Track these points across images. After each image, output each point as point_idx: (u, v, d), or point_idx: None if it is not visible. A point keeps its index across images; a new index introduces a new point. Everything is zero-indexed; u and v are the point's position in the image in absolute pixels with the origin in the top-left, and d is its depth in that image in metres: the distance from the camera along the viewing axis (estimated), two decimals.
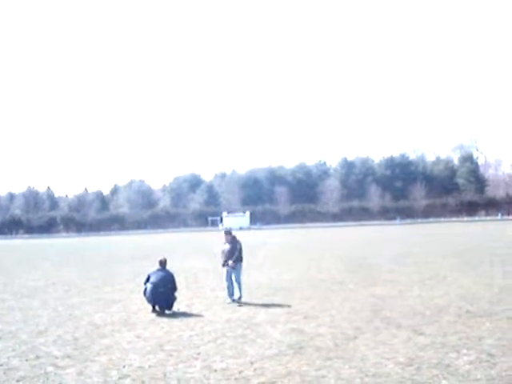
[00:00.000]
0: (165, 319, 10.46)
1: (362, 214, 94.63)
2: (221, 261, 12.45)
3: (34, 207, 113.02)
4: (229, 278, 12.21)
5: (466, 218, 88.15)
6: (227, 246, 12.30)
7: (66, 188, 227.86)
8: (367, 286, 14.00)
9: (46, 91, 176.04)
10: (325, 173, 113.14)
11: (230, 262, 12.06)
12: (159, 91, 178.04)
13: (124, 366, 7.19)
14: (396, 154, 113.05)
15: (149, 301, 11.14)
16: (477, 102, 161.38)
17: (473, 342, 7.86)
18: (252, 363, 7.14)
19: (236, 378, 6.54)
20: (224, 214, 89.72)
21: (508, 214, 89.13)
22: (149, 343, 8.46)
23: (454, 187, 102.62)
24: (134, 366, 7.21)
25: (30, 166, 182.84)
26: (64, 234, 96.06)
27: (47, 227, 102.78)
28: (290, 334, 8.70)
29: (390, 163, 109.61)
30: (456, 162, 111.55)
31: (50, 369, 7.20)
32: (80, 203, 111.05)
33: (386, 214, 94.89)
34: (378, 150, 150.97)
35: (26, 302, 13.46)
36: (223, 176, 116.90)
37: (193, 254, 28.77)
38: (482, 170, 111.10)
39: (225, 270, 12.29)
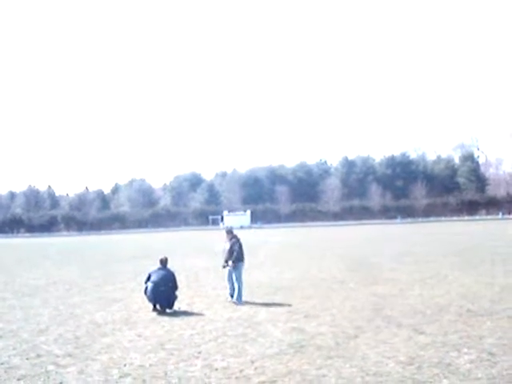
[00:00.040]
0: (166, 318, 10.46)
1: (362, 213, 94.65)
2: (222, 260, 12.45)
3: (34, 206, 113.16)
4: (230, 278, 12.21)
5: (466, 217, 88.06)
6: (228, 246, 12.31)
7: (67, 187, 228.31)
8: (368, 285, 14.00)
9: (47, 90, 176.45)
10: (325, 172, 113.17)
11: (230, 263, 12.07)
12: (160, 90, 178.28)
13: (125, 365, 7.19)
14: (397, 152, 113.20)
15: (150, 300, 11.15)
16: (477, 101, 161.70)
17: (473, 340, 7.86)
18: (253, 362, 7.15)
19: (237, 377, 6.54)
20: (225, 212, 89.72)
21: (509, 213, 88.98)
22: (150, 342, 8.46)
23: (455, 186, 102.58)
24: (135, 364, 7.22)
25: (30, 164, 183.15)
26: (65, 233, 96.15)
27: (48, 226, 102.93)
28: (291, 333, 8.70)
29: (391, 162, 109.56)
30: (457, 161, 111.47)
31: (50, 367, 7.21)
32: (81, 202, 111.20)
33: (387, 213, 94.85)
34: (378, 149, 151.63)
35: (27, 300, 13.47)
36: (224, 175, 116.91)
37: (194, 253, 28.77)
38: (482, 169, 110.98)
39: (226, 269, 12.29)
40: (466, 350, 7.39)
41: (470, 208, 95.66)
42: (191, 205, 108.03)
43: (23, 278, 18.97)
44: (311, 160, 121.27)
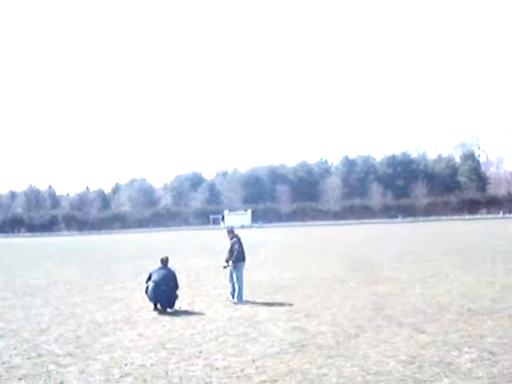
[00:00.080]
0: (166, 317, 10.47)
1: (363, 213, 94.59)
2: (225, 259, 12.44)
3: (35, 206, 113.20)
4: (231, 278, 12.21)
5: (467, 216, 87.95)
6: (228, 245, 12.32)
7: (68, 186, 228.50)
8: (369, 284, 14.00)
9: (48, 90, 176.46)
10: (326, 171, 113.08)
11: (230, 263, 12.08)
12: (160, 90, 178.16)
13: (126, 364, 7.20)
14: (398, 152, 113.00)
15: (150, 299, 11.16)
16: (478, 100, 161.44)
17: (474, 340, 7.86)
18: (254, 361, 7.15)
19: (238, 376, 6.54)
20: (226, 212, 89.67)
21: (510, 212, 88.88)
22: (150, 341, 8.47)
23: (456, 185, 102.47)
24: (136, 364, 7.22)
25: (31, 164, 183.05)
26: (65, 233, 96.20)
27: (49, 226, 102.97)
28: (292, 333, 8.71)
29: (392, 161, 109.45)
30: (458, 160, 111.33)
31: (51, 367, 7.22)
32: (81, 202, 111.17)
33: (388, 213, 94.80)
34: (379, 148, 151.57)
35: (28, 300, 13.49)
36: (225, 174, 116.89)
37: (194, 253, 28.78)
38: (483, 168, 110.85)
39: (228, 268, 12.29)
40: (466, 349, 7.39)
41: (471, 207, 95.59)
42: (192, 204, 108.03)
43: (24, 278, 18.99)
44: (312, 159, 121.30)
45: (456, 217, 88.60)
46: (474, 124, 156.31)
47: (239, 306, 11.48)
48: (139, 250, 33.30)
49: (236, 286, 12.01)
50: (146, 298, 11.40)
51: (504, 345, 7.51)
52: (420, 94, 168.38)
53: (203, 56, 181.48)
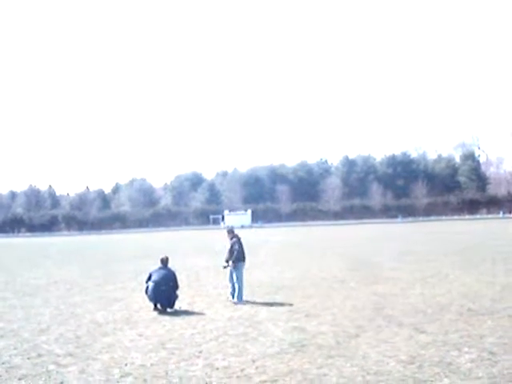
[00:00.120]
0: (166, 317, 10.47)
1: (363, 213, 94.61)
2: (225, 259, 12.44)
3: (35, 206, 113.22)
4: (231, 278, 12.21)
5: (467, 216, 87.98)
6: (228, 245, 12.32)
7: (68, 186, 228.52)
8: (369, 284, 14.00)
9: (48, 90, 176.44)
10: (326, 171, 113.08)
11: (230, 263, 12.08)
12: (160, 90, 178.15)
13: (126, 364, 7.20)
14: (398, 152, 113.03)
15: (150, 299, 11.16)
16: (478, 100, 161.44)
17: (474, 340, 7.87)
18: (254, 361, 7.15)
19: (238, 376, 6.54)
20: (226, 212, 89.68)
21: (510, 212, 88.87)
22: (151, 341, 8.47)
23: (456, 185, 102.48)
24: (136, 364, 7.22)
25: (31, 164, 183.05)
26: (65, 233, 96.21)
27: (49, 226, 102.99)
28: (292, 333, 8.71)
29: (392, 161, 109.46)
30: (458, 160, 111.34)
31: (51, 367, 7.22)
32: (81, 202, 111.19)
33: (388, 213, 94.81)
34: (379, 149, 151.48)
35: (28, 300, 13.49)
36: (225, 174, 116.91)
37: (194, 253, 28.78)
38: (483, 168, 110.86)
39: (228, 268, 12.29)
40: (466, 349, 7.39)
41: (471, 207, 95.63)
42: (192, 204, 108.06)
43: (24, 278, 18.99)
44: (312, 159, 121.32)
45: (456, 217, 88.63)
46: (474, 124, 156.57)
47: (239, 305, 11.48)
48: (139, 250, 33.31)
49: (236, 285, 12.01)
50: (146, 297, 11.40)
51: (504, 345, 7.51)
52: (420, 94, 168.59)
53: (203, 56, 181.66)
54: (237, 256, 12.04)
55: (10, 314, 11.55)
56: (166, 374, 6.74)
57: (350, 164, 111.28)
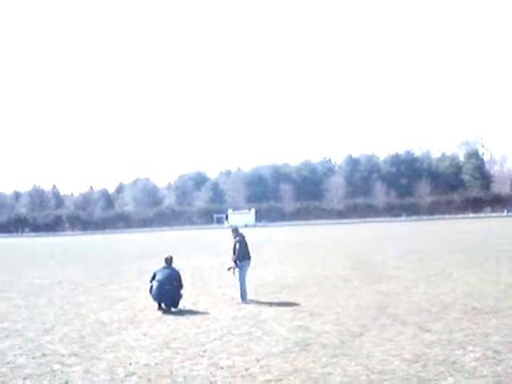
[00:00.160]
0: (171, 317, 10.49)
1: (367, 211, 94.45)
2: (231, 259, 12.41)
3: (39, 206, 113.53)
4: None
5: (471, 215, 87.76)
6: (232, 245, 12.33)
7: (72, 186, 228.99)
8: (372, 283, 13.98)
9: (51, 90, 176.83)
10: (330, 170, 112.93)
11: (234, 265, 12.07)
12: (164, 90, 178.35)
13: (130, 364, 7.22)
14: (401, 150, 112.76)
15: (155, 298, 11.18)
16: (482, 99, 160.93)
17: (479, 338, 7.85)
18: (258, 360, 7.16)
19: (242, 376, 6.55)
20: (229, 211, 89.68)
21: None
22: (155, 341, 8.49)
23: (460, 184, 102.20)
24: (141, 363, 7.24)
25: (35, 164, 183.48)
26: (70, 233, 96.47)
27: (53, 225, 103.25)
28: (296, 332, 8.71)
29: (396, 160, 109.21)
30: (461, 158, 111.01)
31: (56, 367, 7.24)
32: (85, 201, 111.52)
33: (392, 211, 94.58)
34: (383, 147, 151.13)
35: (33, 300, 13.54)
36: (228, 173, 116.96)
37: (198, 252, 28.80)
38: (487, 166, 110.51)
39: (232, 269, 12.27)
40: (471, 347, 7.37)
41: (475, 205, 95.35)
42: (196, 204, 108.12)
43: (28, 278, 19.06)
44: (315, 158, 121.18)
45: (460, 215, 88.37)
46: (478, 122, 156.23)
47: (243, 305, 11.49)
48: (143, 250, 33.36)
49: (237, 284, 12.00)
50: (150, 297, 11.43)
51: (508, 343, 7.49)
52: (424, 92, 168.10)
53: (206, 56, 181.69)
54: (238, 255, 12.03)
55: (15, 313, 11.59)
56: (171, 373, 6.75)
57: (353, 163, 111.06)
